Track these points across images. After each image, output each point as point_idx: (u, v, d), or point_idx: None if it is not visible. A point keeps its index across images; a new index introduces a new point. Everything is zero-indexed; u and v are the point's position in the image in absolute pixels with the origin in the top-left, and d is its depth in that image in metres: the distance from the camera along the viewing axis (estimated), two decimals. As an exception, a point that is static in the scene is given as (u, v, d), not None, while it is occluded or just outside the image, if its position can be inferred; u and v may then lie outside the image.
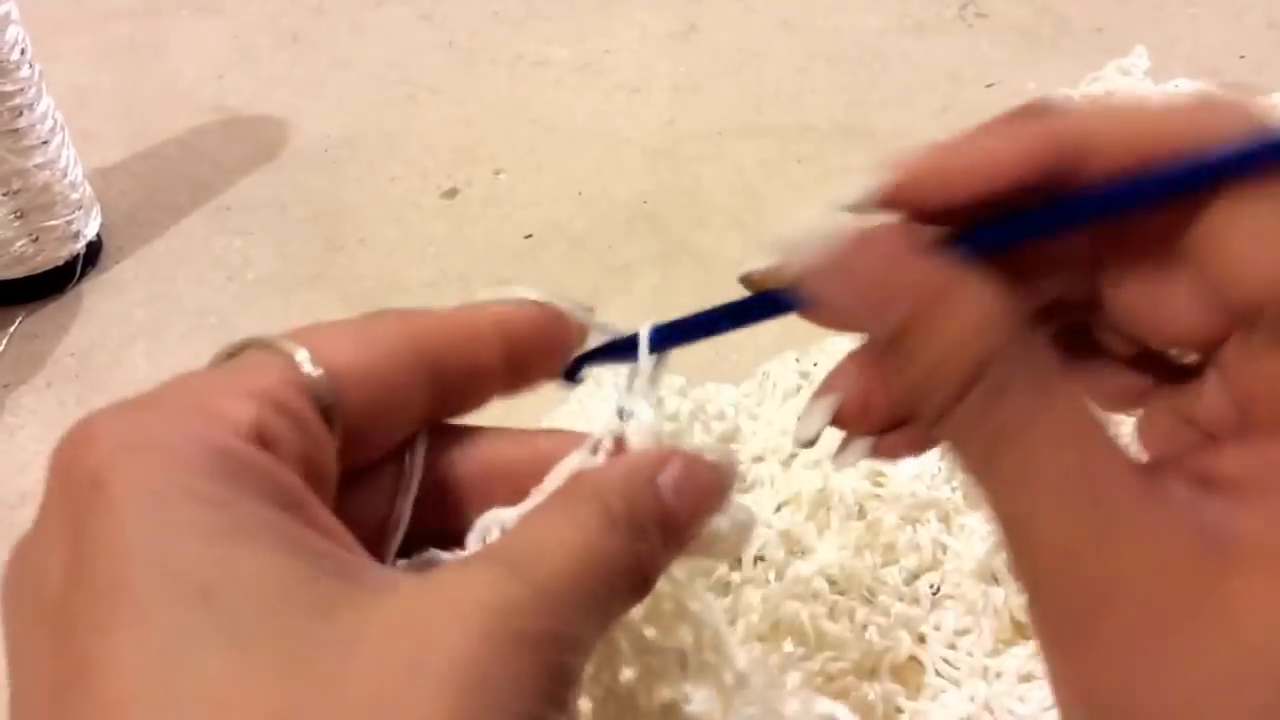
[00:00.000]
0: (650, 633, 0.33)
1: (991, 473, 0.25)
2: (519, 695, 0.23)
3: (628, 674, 0.32)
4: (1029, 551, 0.25)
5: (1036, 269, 0.28)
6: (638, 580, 0.27)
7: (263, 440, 0.25)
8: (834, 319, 0.27)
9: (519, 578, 0.25)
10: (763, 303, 0.30)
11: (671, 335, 0.32)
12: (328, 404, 0.27)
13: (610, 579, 0.26)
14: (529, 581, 0.25)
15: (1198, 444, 0.28)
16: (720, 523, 0.31)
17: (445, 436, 0.32)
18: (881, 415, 0.29)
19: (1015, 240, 0.27)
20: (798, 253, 0.27)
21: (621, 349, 0.33)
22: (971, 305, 0.25)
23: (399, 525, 0.30)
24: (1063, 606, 0.25)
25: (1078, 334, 0.31)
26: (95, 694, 0.20)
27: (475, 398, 0.32)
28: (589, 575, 0.26)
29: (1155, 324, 0.27)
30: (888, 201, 0.27)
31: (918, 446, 0.31)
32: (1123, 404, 0.31)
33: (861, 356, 0.29)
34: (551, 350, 0.33)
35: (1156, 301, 0.27)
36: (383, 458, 0.31)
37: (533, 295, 0.33)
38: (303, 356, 0.27)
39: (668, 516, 0.28)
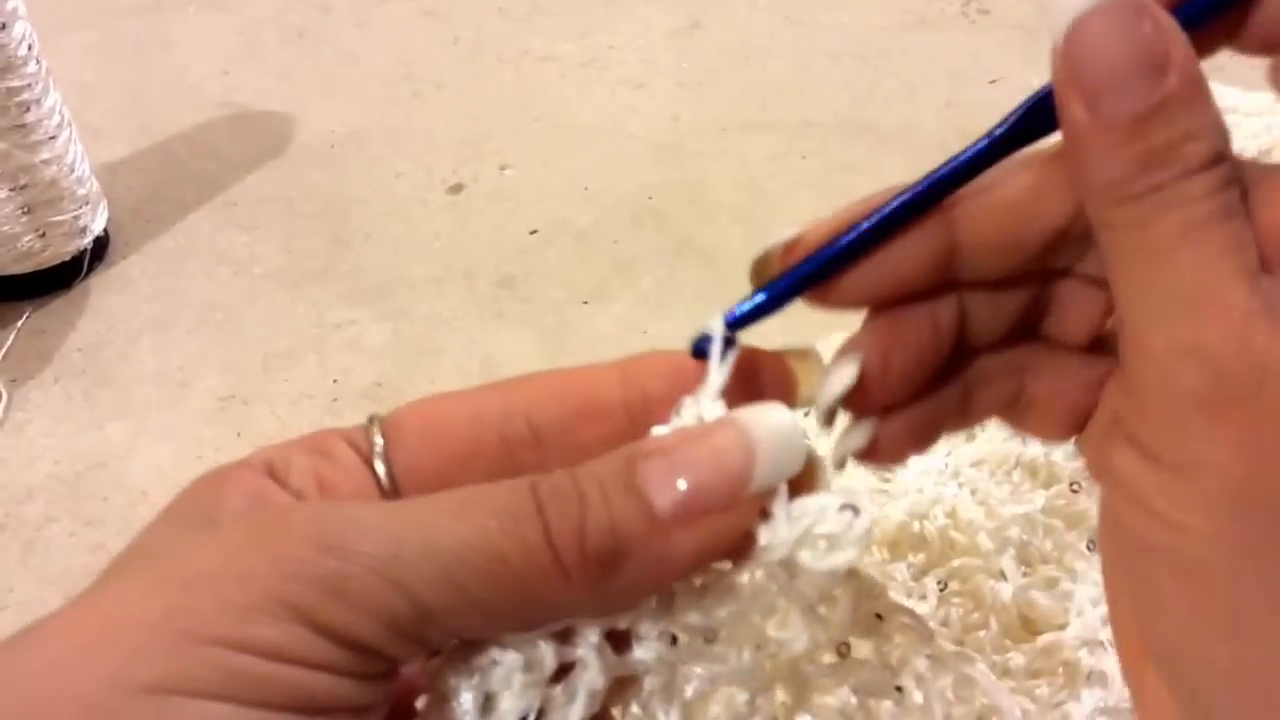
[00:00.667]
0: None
1: (1198, 246, 0.25)
2: (220, 580, 0.24)
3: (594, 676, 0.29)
4: (1219, 317, 0.25)
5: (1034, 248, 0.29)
6: (533, 541, 0.26)
7: (271, 470, 0.29)
8: (1084, 74, 0.26)
9: (320, 503, 0.28)
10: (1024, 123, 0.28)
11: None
12: (371, 442, 0.31)
13: (469, 517, 0.26)
14: (320, 503, 0.28)
15: None
16: (797, 521, 0.27)
17: None
18: (899, 380, 0.30)
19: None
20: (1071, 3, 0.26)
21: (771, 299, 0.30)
22: (1214, 101, 0.26)
23: None
24: (1258, 392, 0.24)
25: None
26: None
27: (589, 446, 0.31)
28: (421, 507, 0.26)
29: None
30: None
31: (920, 440, 0.31)
32: (1084, 394, 0.32)
33: (879, 324, 0.30)
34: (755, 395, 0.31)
35: None
36: None
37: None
38: (378, 416, 0.31)
39: (633, 485, 0.26)
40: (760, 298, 0.30)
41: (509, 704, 0.27)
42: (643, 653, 0.29)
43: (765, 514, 0.28)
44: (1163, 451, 0.26)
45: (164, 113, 1.19)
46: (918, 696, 0.31)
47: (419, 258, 0.99)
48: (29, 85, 0.91)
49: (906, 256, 0.29)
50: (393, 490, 0.30)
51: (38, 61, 0.92)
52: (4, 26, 0.87)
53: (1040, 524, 0.62)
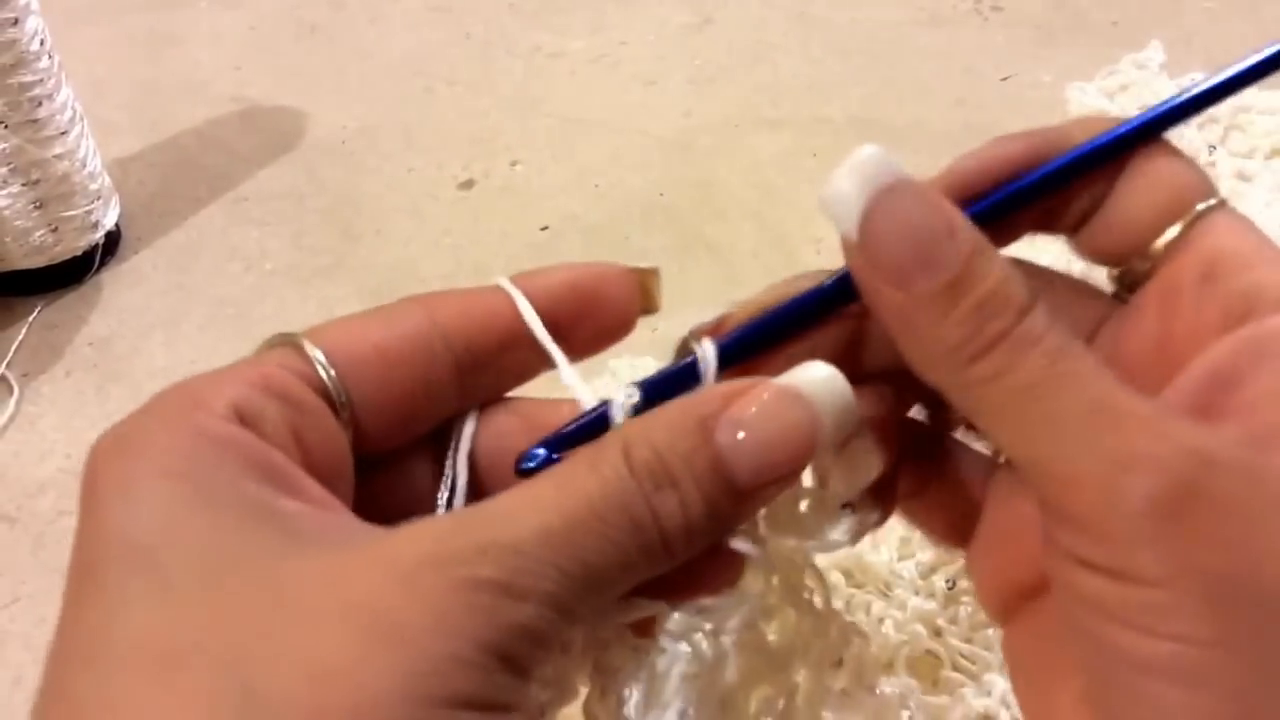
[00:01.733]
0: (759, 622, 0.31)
1: (1075, 372, 0.26)
2: (440, 637, 0.23)
3: (730, 672, 0.30)
4: (1137, 424, 0.25)
5: None
6: (650, 536, 0.27)
7: (243, 419, 0.27)
8: (886, 260, 0.27)
9: (466, 525, 0.26)
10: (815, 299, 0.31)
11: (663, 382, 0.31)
12: (333, 385, 0.30)
13: (604, 531, 0.26)
14: (478, 529, 0.26)
15: None
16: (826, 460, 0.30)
17: (503, 411, 0.33)
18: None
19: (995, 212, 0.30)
20: (851, 198, 0.27)
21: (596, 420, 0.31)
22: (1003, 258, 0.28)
23: (455, 494, 0.32)
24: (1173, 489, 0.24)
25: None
26: (56, 655, 0.24)
27: (518, 370, 0.32)
28: (569, 527, 0.26)
29: None
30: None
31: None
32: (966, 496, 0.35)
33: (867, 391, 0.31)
34: (601, 312, 0.33)
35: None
36: (436, 434, 0.32)
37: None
38: (308, 345, 0.30)
39: (718, 462, 0.27)
40: (683, 364, 0.31)
41: (669, 696, 0.28)
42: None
43: None
44: (1134, 570, 0.25)
45: (176, 108, 1.20)
46: None
47: (430, 253, 0.99)
48: (41, 80, 0.91)
49: (820, 343, 0.31)
50: (351, 421, 0.30)
51: (50, 56, 0.92)
52: (16, 22, 0.87)
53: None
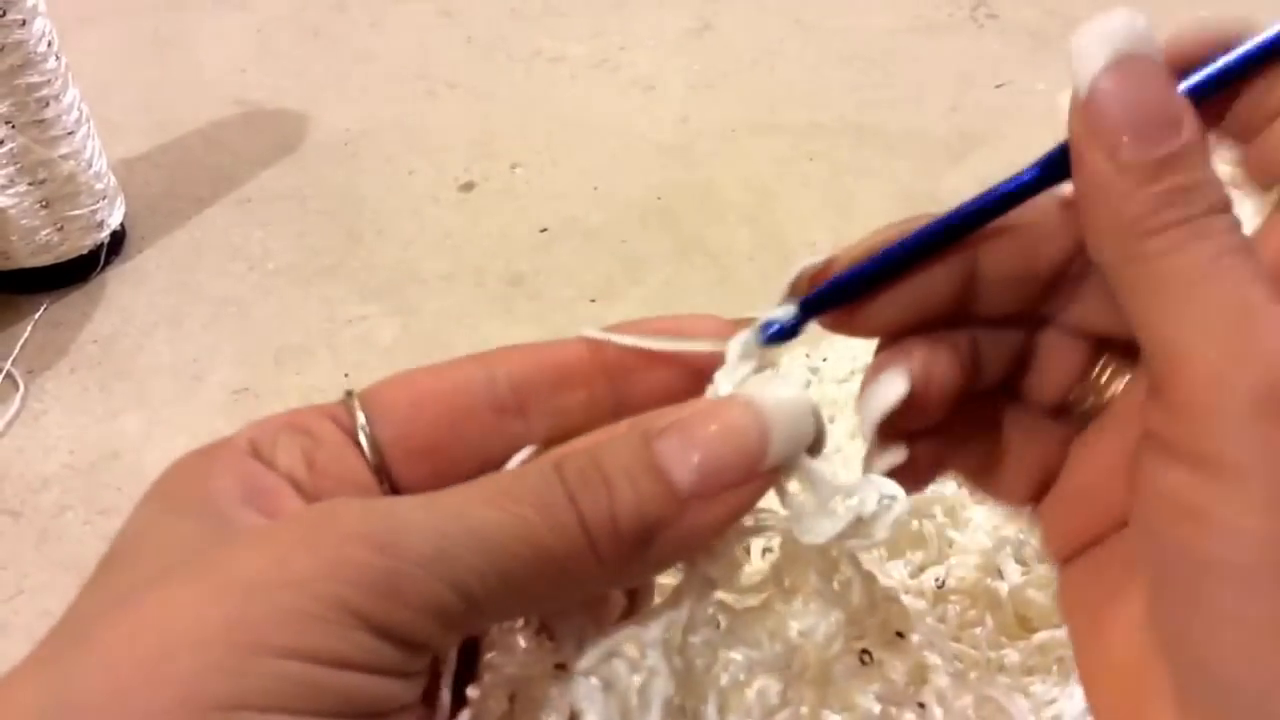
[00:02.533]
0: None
1: (1235, 270, 0.26)
2: (279, 588, 0.24)
3: (663, 686, 0.30)
4: (1270, 327, 0.26)
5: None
6: (568, 519, 0.26)
7: (255, 450, 0.30)
8: (1106, 123, 0.27)
9: (355, 499, 0.27)
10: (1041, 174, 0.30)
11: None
12: (358, 423, 0.31)
13: (505, 505, 0.26)
14: (364, 501, 0.27)
15: None
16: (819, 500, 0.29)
17: (557, 448, 0.33)
18: (937, 401, 0.31)
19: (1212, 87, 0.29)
20: (1094, 55, 0.28)
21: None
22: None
23: None
24: None
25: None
26: None
27: (576, 415, 0.32)
28: (462, 499, 0.26)
29: None
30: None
31: (932, 470, 0.33)
32: (1049, 458, 0.33)
33: (916, 344, 0.31)
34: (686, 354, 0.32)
35: None
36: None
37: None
38: (355, 392, 0.32)
39: (655, 464, 0.27)
40: (792, 310, 0.31)
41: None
42: (694, 637, 0.30)
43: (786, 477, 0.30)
44: (1220, 455, 0.25)
45: (181, 109, 1.21)
46: (938, 712, 0.32)
47: (430, 254, 1.00)
48: (48, 81, 0.92)
49: (934, 282, 0.31)
50: (379, 463, 0.31)
51: (57, 57, 0.93)
52: (24, 23, 0.89)
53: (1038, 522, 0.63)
